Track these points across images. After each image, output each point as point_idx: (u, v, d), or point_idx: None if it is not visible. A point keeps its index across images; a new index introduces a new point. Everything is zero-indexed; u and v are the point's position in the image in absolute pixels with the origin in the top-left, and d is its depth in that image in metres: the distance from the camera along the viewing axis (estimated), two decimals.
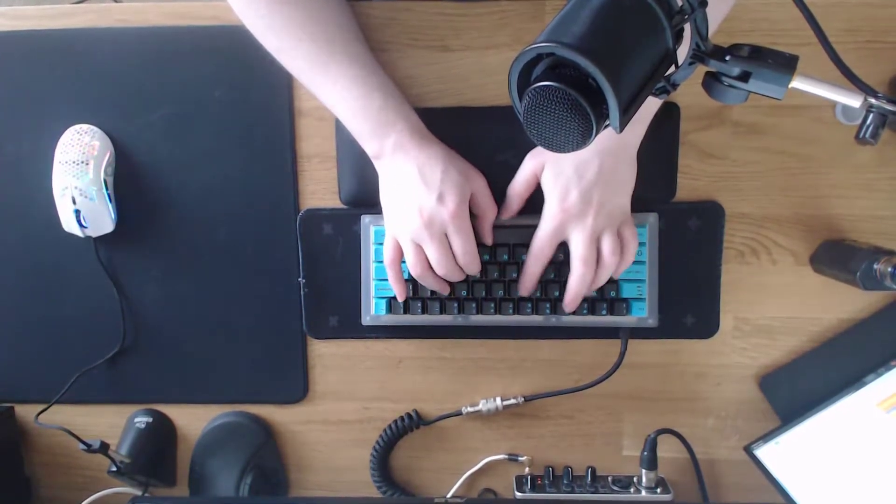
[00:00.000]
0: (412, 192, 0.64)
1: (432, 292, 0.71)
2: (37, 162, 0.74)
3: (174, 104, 0.74)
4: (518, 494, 0.73)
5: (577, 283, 0.66)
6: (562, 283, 0.70)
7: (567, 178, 0.64)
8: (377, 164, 0.68)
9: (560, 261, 0.69)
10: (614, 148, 0.63)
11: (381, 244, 0.72)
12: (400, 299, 0.71)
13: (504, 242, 0.71)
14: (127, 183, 0.75)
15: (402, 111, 0.66)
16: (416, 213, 0.64)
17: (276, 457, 0.79)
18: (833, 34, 0.42)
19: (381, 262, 0.72)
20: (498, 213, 0.70)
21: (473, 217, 0.68)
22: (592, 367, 0.75)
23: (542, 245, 0.66)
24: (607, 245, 0.65)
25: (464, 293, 0.71)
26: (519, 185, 0.68)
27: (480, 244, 0.69)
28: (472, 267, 0.67)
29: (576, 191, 0.63)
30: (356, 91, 0.65)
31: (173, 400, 0.79)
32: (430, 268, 0.66)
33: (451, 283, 0.70)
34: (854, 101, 0.43)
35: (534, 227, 0.68)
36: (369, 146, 0.67)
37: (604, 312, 0.71)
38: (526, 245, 0.70)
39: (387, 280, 0.72)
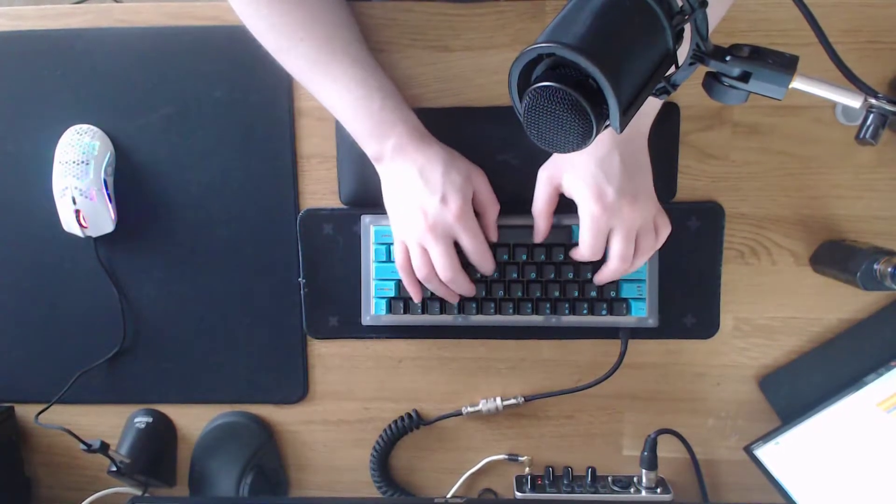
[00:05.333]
0: (415, 194, 0.64)
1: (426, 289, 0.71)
2: (37, 162, 0.74)
3: (174, 104, 0.74)
4: (518, 494, 0.73)
5: (610, 275, 0.66)
6: (562, 284, 0.70)
7: (595, 177, 0.62)
8: (378, 167, 0.68)
9: (561, 261, 0.69)
10: (630, 136, 0.63)
11: (382, 244, 0.72)
12: (416, 300, 0.70)
13: (504, 242, 0.71)
14: (127, 183, 0.75)
15: (402, 112, 0.66)
16: (420, 215, 0.64)
17: (276, 457, 0.79)
18: (833, 34, 0.42)
19: (382, 262, 0.72)
20: (502, 212, 0.69)
21: (476, 215, 0.67)
22: (592, 367, 0.75)
23: (596, 249, 0.64)
24: (646, 242, 0.65)
25: None
26: (541, 203, 0.67)
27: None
28: (486, 264, 0.67)
29: (610, 187, 0.62)
30: (356, 91, 0.65)
31: (173, 400, 0.79)
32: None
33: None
34: (854, 101, 0.43)
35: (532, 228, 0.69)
36: (369, 147, 0.67)
37: (604, 312, 0.71)
38: (527, 245, 0.70)
39: (386, 280, 0.72)
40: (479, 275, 0.70)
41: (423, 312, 0.72)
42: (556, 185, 0.66)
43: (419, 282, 0.68)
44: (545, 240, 0.69)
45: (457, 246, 0.66)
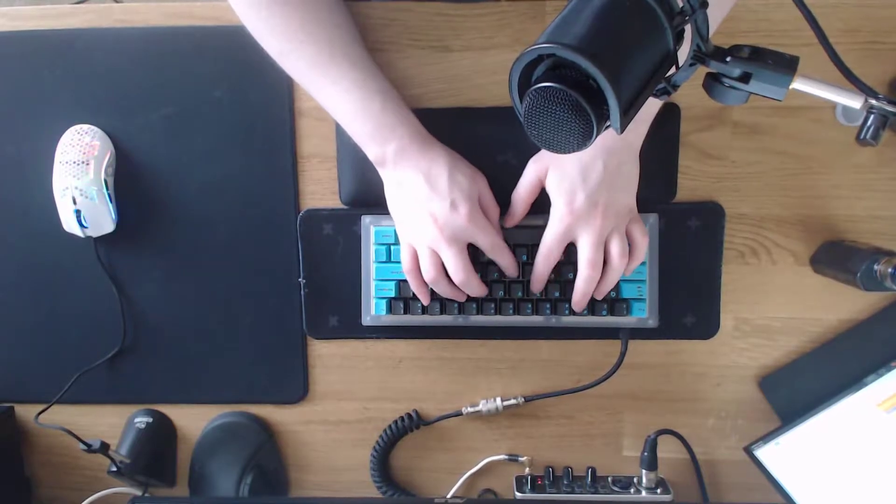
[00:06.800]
0: (423, 200, 0.64)
1: (433, 291, 0.71)
2: (37, 162, 0.74)
3: (174, 104, 0.74)
4: (518, 495, 0.73)
5: (584, 284, 0.66)
6: (562, 284, 0.70)
7: (572, 180, 0.63)
8: (381, 172, 0.68)
9: (561, 261, 0.69)
10: (617, 147, 0.63)
11: (382, 245, 0.72)
12: (425, 303, 0.70)
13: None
14: (127, 183, 0.75)
15: (402, 114, 0.66)
16: (431, 220, 0.64)
17: (276, 457, 0.79)
18: (833, 35, 0.42)
19: (382, 262, 0.72)
20: (501, 215, 0.69)
21: None
22: (592, 368, 0.75)
23: (551, 248, 0.66)
24: (615, 248, 0.65)
25: None
26: (523, 191, 0.68)
27: None
28: (506, 259, 0.68)
29: (582, 193, 0.63)
30: (356, 94, 0.65)
31: (173, 400, 0.79)
32: (445, 273, 0.66)
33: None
34: (854, 102, 0.43)
35: (535, 228, 0.69)
36: (370, 150, 0.67)
37: (604, 313, 0.71)
38: (527, 245, 0.70)
39: (387, 280, 0.72)
40: (485, 276, 0.70)
41: (423, 313, 0.72)
42: (542, 178, 0.67)
43: (426, 285, 0.69)
44: (515, 226, 0.70)
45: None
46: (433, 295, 0.71)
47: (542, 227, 0.69)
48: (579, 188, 0.63)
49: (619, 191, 0.64)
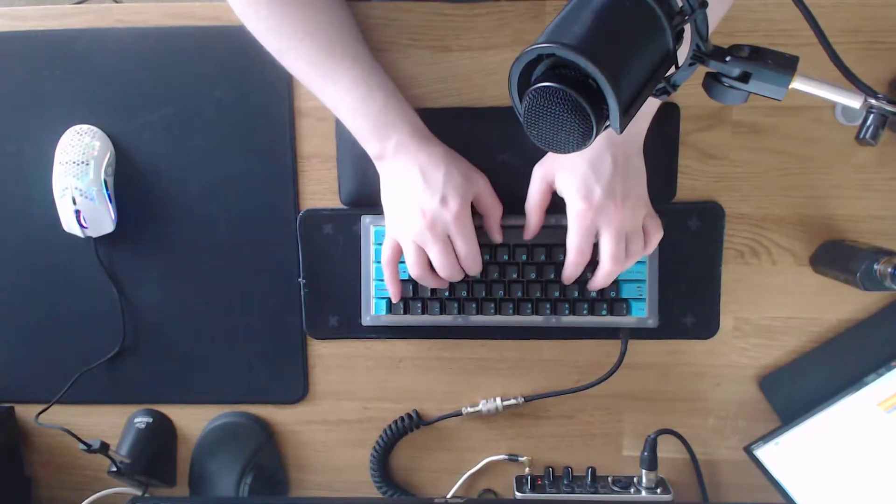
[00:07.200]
0: (414, 193, 0.64)
1: (432, 292, 0.71)
2: (37, 162, 0.74)
3: (174, 104, 0.74)
4: (518, 495, 0.73)
5: (604, 278, 0.66)
6: (562, 284, 0.70)
7: (585, 176, 0.62)
8: (379, 166, 0.68)
9: (561, 261, 0.69)
10: (622, 139, 0.63)
11: (381, 244, 0.72)
12: (395, 300, 0.71)
13: (504, 243, 0.71)
14: (127, 183, 0.75)
15: (403, 112, 0.66)
16: (419, 214, 0.64)
17: (276, 457, 0.79)
18: (833, 34, 0.42)
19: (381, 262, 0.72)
20: (504, 213, 0.69)
21: (478, 217, 0.68)
22: (592, 367, 0.75)
23: (581, 248, 0.64)
24: (635, 245, 0.65)
25: (464, 293, 0.71)
26: (534, 199, 0.67)
27: (486, 244, 0.69)
28: (474, 268, 0.67)
29: (598, 186, 0.62)
30: (357, 91, 0.65)
31: (173, 400, 0.79)
32: (431, 268, 0.66)
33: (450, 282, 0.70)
34: (854, 101, 0.43)
35: (541, 228, 0.69)
36: (370, 147, 0.67)
37: (604, 313, 0.71)
38: (527, 245, 0.70)
39: None
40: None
41: (423, 312, 0.72)
42: (550, 182, 0.66)
43: (400, 281, 0.69)
44: (535, 237, 0.69)
45: None
46: (433, 294, 0.71)
47: (548, 228, 0.69)
48: (594, 182, 0.62)
49: (632, 181, 0.64)
